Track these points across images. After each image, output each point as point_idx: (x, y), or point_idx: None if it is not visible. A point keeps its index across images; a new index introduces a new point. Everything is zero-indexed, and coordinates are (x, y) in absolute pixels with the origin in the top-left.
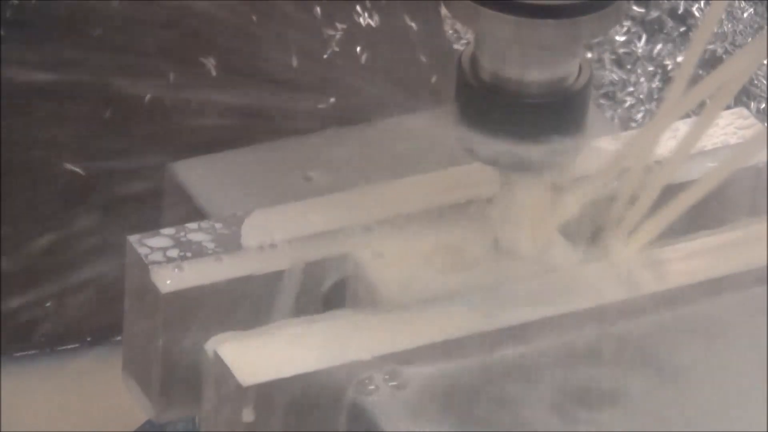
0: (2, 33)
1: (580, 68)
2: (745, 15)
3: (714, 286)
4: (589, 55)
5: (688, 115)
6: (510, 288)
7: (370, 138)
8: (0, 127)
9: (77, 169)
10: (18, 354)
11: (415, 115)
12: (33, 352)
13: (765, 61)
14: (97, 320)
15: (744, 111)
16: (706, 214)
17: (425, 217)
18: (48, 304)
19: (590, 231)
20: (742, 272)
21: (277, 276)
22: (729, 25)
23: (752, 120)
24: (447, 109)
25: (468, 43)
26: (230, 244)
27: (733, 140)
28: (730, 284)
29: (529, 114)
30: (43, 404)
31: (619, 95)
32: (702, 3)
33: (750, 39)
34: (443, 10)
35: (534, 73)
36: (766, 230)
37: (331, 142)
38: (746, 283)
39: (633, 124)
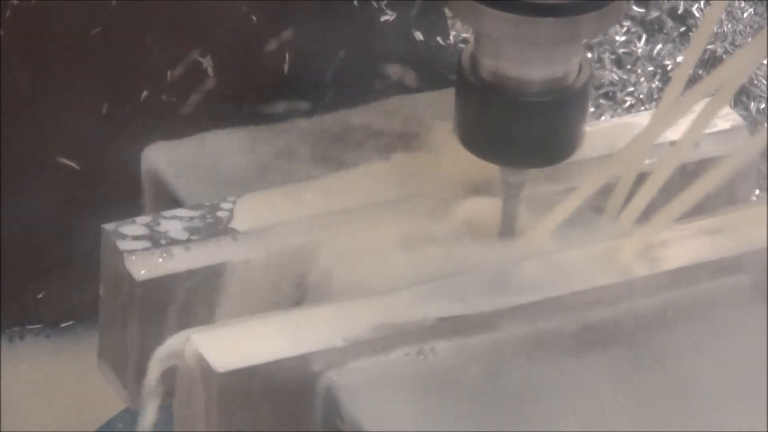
0: (2, 33)
1: (580, 67)
2: (745, 15)
3: (690, 274)
4: (589, 55)
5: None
6: (485, 274)
7: (341, 125)
8: (0, 126)
9: (75, 165)
10: (18, 331)
11: (387, 101)
12: (34, 327)
13: (765, 61)
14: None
15: None
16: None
17: (399, 205)
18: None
19: (585, 220)
20: (716, 260)
21: (250, 264)
22: (729, 25)
23: (727, 110)
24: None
25: (468, 42)
26: (204, 232)
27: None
28: (705, 273)
29: (529, 112)
30: (42, 383)
31: (619, 95)
32: (702, 3)
33: (750, 39)
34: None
35: (534, 72)
36: (743, 219)
37: (301, 128)
38: (721, 271)
39: None
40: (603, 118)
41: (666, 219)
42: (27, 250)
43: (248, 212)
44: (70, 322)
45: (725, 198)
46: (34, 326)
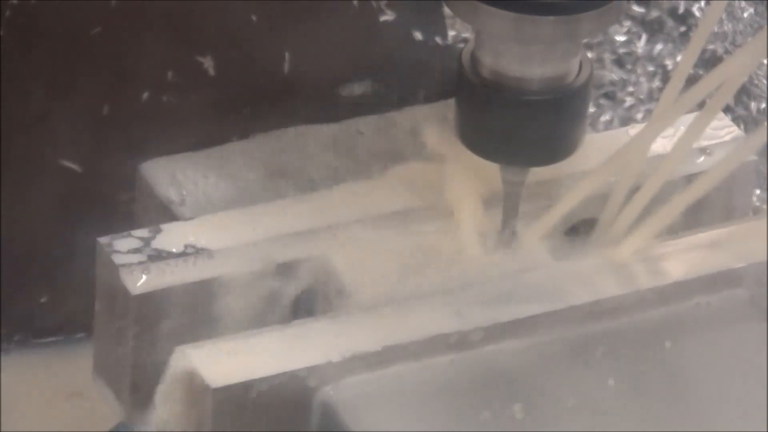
0: (2, 33)
1: (581, 66)
2: (745, 15)
3: (688, 287)
4: (589, 54)
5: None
6: (483, 287)
7: (337, 135)
8: (0, 125)
9: (74, 167)
10: (19, 335)
11: (384, 115)
12: (35, 331)
13: (765, 61)
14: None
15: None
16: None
17: (396, 218)
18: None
19: (586, 227)
20: (714, 274)
21: (246, 278)
22: (729, 25)
23: (726, 121)
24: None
25: (468, 41)
26: (200, 245)
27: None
28: (703, 286)
29: (529, 111)
30: (43, 393)
31: (619, 95)
32: (702, 3)
33: (750, 39)
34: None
35: (534, 70)
36: (741, 233)
37: (297, 139)
38: (719, 284)
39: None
40: (603, 118)
41: (660, 223)
42: (29, 255)
43: (246, 226)
44: (72, 327)
45: (723, 207)
46: (36, 330)
